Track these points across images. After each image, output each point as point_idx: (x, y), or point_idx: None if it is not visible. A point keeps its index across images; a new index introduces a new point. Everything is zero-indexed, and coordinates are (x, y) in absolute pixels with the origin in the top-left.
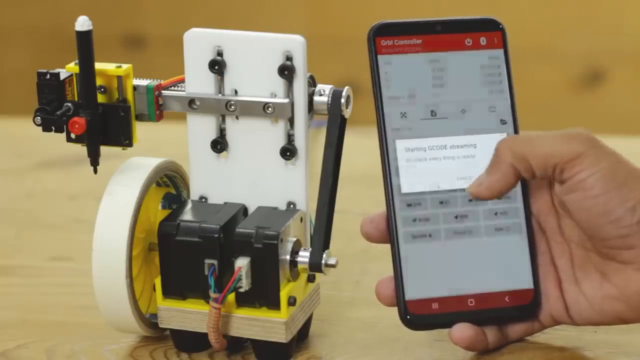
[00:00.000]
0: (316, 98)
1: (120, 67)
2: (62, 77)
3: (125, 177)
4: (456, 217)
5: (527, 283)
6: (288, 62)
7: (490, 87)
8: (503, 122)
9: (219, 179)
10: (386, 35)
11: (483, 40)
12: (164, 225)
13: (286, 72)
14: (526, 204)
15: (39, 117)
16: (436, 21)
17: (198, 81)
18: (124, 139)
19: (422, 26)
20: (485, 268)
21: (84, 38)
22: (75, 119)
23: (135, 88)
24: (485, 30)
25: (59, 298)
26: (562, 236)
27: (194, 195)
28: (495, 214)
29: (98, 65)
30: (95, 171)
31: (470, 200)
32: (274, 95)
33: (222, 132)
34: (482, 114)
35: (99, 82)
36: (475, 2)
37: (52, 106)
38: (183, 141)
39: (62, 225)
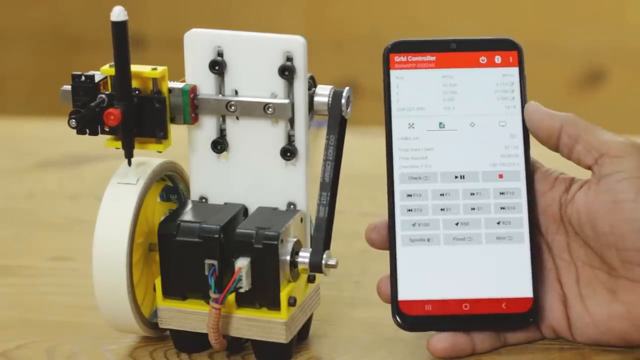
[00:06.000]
0: (316, 98)
1: (155, 69)
2: (96, 79)
3: (126, 178)
4: (457, 223)
5: (526, 292)
6: (288, 63)
7: (503, 103)
8: (513, 136)
9: (219, 180)
10: (400, 52)
11: (498, 59)
12: (164, 226)
13: (286, 73)
14: (532, 216)
15: (74, 120)
16: (451, 40)
17: (198, 81)
18: (159, 130)
19: (436, 44)
20: (483, 274)
21: (120, 28)
22: (111, 110)
23: (170, 90)
24: (501, 49)
25: (59, 298)
26: (569, 255)
27: (194, 195)
28: (498, 223)
29: (133, 68)
30: (130, 163)
31: (472, 209)
32: (275, 96)
33: (222, 133)
34: (492, 127)
35: (134, 84)
36: (475, 1)
37: (87, 108)
38: (183, 141)
39: (62, 225)
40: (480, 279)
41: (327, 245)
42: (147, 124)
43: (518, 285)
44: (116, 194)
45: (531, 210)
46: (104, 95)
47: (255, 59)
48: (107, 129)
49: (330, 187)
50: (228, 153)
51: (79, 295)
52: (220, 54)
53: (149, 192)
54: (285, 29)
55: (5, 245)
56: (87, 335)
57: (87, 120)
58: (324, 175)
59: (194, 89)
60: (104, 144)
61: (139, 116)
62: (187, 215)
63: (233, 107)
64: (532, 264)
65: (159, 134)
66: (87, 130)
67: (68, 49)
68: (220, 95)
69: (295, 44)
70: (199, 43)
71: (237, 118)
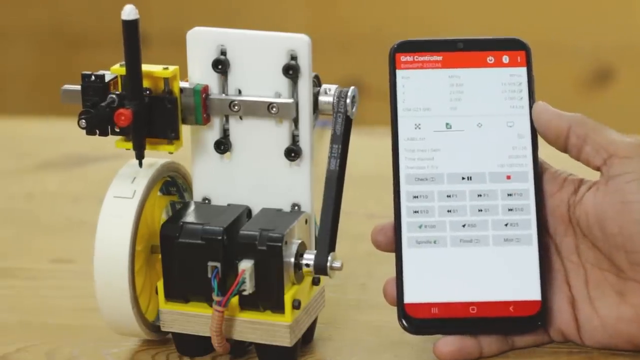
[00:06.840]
0: (321, 98)
1: (167, 68)
2: (107, 79)
3: (127, 179)
4: (464, 225)
5: (534, 294)
6: (293, 62)
7: (510, 103)
8: (521, 136)
9: (223, 180)
10: (406, 52)
11: (506, 59)
12: (166, 227)
13: (291, 72)
14: (540, 218)
15: (83, 120)
16: (458, 39)
17: (201, 81)
18: (171, 131)
19: (443, 44)
20: (491, 276)
21: (131, 27)
22: (121, 110)
23: (182, 90)
24: (509, 49)
25: (60, 301)
26: (578, 257)
27: (197, 196)
28: (506, 224)
29: (144, 67)
30: (141, 164)
31: (479, 211)
32: (279, 95)
33: (225, 133)
34: (499, 127)
35: (145, 84)
36: (482, 0)
37: (97, 109)
38: (186, 142)
39: (63, 227)
40: (487, 282)
41: (332, 247)
42: (158, 124)
43: (526, 287)
44: (117, 199)
45: (539, 211)
46: (114, 95)
47: (259, 58)
48: (117, 130)
49: (341, 139)
50: (231, 153)
51: (79, 298)
52: (223, 53)
53: (149, 192)
54: (290, 28)
55: (5, 247)
56: (88, 338)
57: (97, 121)
58: (334, 127)
59: (205, 89)
60: (107, 145)
61: (150, 116)
62: (190, 217)
63: (237, 107)
64: (540, 266)
65: (170, 135)
66: (97, 131)
67: (68, 49)
68: (223, 95)
69: (299, 42)
70: (202, 42)
71: (241, 118)
